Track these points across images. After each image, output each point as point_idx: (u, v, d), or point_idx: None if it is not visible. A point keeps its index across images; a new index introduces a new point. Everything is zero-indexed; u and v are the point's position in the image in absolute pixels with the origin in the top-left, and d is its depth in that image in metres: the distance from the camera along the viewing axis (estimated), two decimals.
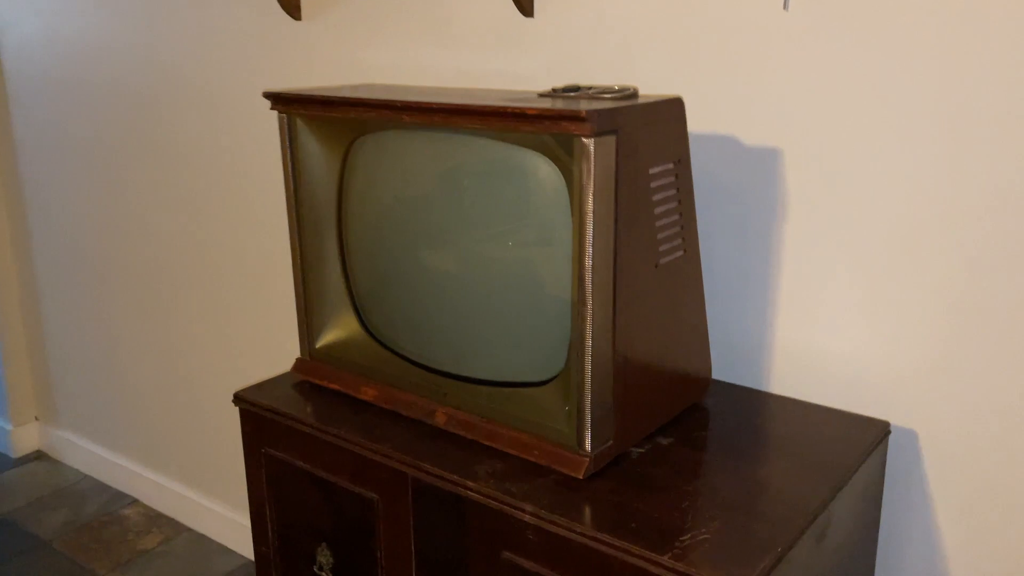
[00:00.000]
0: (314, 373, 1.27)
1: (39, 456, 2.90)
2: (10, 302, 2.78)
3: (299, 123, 1.19)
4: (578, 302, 0.95)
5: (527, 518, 0.94)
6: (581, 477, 0.99)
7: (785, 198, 1.21)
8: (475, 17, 1.45)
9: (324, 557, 1.20)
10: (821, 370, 1.24)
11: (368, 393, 1.20)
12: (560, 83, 1.37)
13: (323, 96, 1.12)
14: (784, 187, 1.20)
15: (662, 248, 1.04)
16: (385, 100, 1.05)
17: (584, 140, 0.90)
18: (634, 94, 1.02)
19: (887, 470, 1.19)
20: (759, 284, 1.26)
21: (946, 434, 1.14)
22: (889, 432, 1.14)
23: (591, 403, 0.98)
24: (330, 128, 1.19)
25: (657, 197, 1.01)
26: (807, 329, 1.23)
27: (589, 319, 0.95)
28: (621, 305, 0.98)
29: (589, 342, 0.95)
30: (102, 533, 2.42)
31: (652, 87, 1.29)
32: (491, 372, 1.10)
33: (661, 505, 0.94)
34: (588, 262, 0.93)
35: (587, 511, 0.93)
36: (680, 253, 1.08)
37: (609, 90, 1.03)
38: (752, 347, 1.29)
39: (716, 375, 1.33)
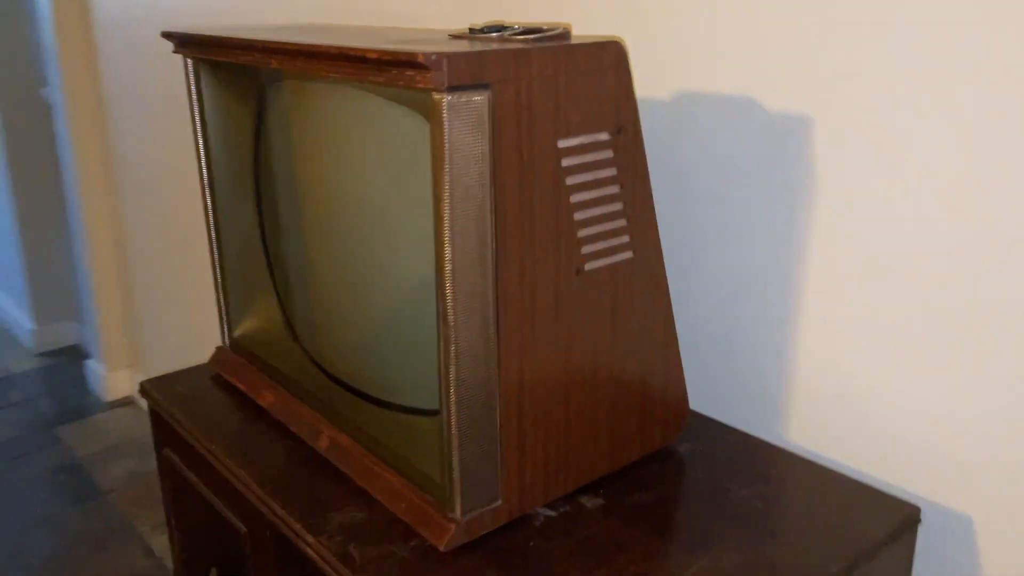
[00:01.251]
0: (225, 366, 1.08)
1: (129, 403, 2.95)
2: (105, 252, 2.81)
3: (204, 69, 0.99)
4: (440, 320, 0.70)
5: None
6: (442, 549, 0.74)
7: (814, 184, 0.88)
8: None
9: None
10: (848, 419, 0.91)
11: (267, 399, 1.00)
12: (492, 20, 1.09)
13: (211, 36, 0.91)
14: (813, 170, 0.88)
15: (588, 249, 0.76)
16: (247, 40, 0.83)
17: (436, 96, 0.64)
18: (562, 35, 0.74)
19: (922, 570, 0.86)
20: (770, 297, 0.95)
21: (1017, 525, 0.80)
22: (919, 521, 0.81)
23: (460, 452, 0.72)
24: (237, 76, 0.98)
25: (575, 180, 0.73)
26: (833, 363, 0.91)
27: (452, 342, 0.69)
28: (510, 325, 0.72)
29: (452, 373, 0.70)
30: (156, 489, 2.41)
31: (621, 27, 0.99)
32: (379, 389, 0.86)
33: None
34: (447, 266, 0.67)
35: None
36: (627, 255, 0.79)
37: (536, 30, 0.76)
38: (760, 381, 0.98)
39: (714, 413, 1.03)
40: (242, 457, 0.90)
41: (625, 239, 0.78)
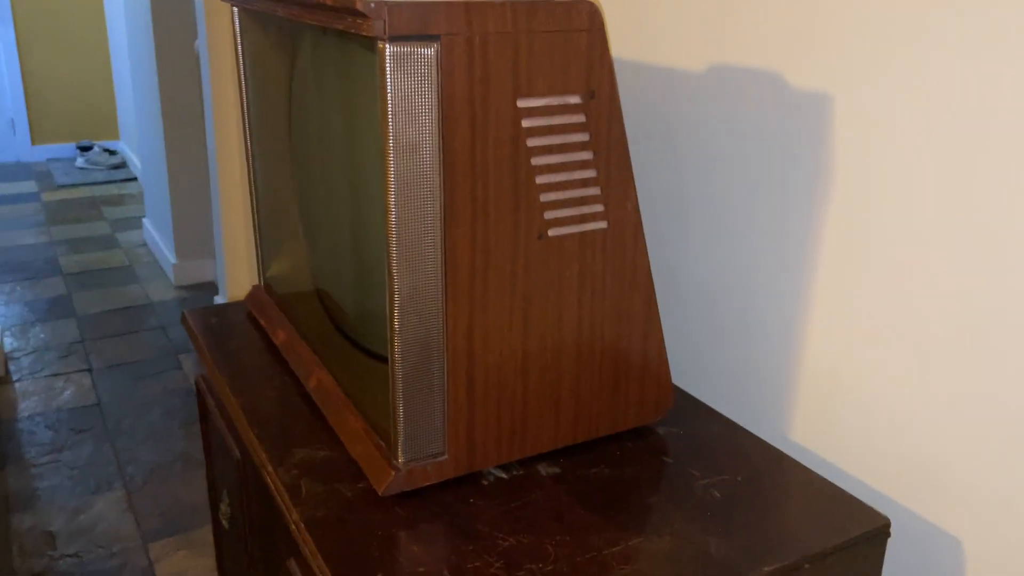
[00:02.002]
0: (255, 304, 1.14)
1: None
2: (235, 197, 3.00)
3: (247, 17, 1.04)
4: (386, 268, 0.71)
5: (292, 529, 0.75)
6: (380, 493, 0.76)
7: (830, 168, 0.83)
8: None
9: (225, 505, 1.09)
10: (847, 424, 0.86)
11: (279, 337, 1.05)
12: None
13: None
14: (831, 152, 0.82)
15: (552, 215, 0.74)
16: None
17: (380, 45, 0.64)
18: None
19: None
20: (780, 289, 0.90)
21: (1009, 550, 0.73)
22: (888, 535, 0.75)
23: (404, 400, 0.74)
24: (274, 24, 1.02)
25: (538, 142, 0.72)
26: (836, 367, 0.85)
27: (396, 292, 0.70)
28: (459, 282, 0.72)
29: (396, 321, 0.71)
30: None
31: None
32: (360, 335, 0.89)
33: (438, 559, 0.69)
34: (392, 216, 0.68)
35: (340, 547, 0.71)
36: (600, 224, 0.77)
37: None
38: (764, 375, 0.93)
39: (712, 400, 0.99)
40: (240, 388, 0.96)
41: (598, 208, 0.77)
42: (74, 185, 4.95)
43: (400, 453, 0.75)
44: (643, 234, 0.80)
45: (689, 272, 1.01)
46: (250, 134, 1.08)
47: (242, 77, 1.06)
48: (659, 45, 0.99)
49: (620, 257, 0.79)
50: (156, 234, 3.85)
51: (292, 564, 0.80)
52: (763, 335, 0.93)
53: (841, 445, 0.87)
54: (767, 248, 0.91)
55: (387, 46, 0.63)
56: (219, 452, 1.10)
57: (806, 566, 0.70)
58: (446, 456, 0.77)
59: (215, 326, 1.12)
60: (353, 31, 0.66)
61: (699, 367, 1.02)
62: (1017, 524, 0.72)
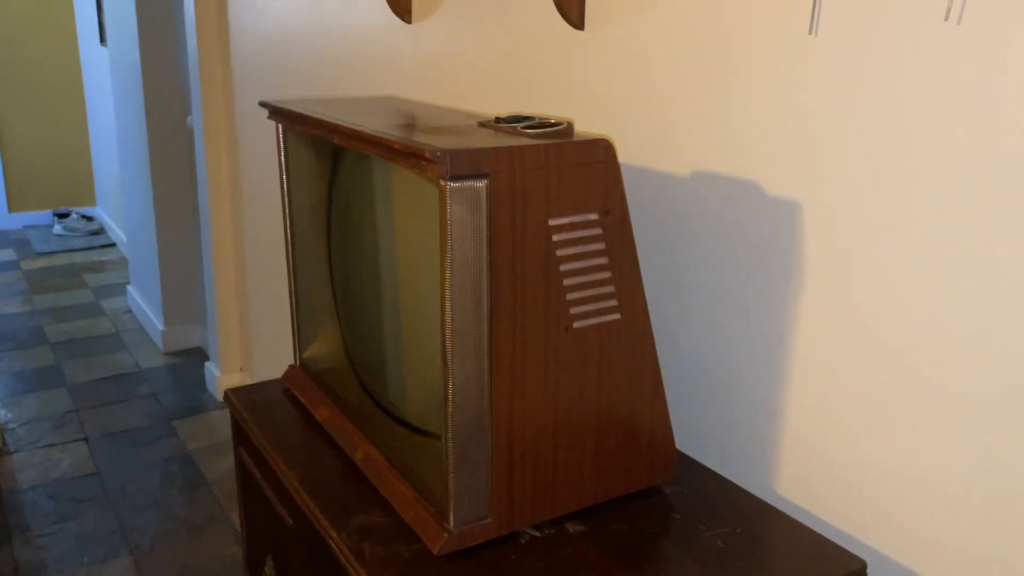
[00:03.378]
0: (294, 382, 1.27)
1: None
2: (227, 266, 3.11)
3: (290, 133, 1.18)
4: (441, 360, 0.84)
5: None
6: (436, 553, 0.88)
7: (802, 261, 0.99)
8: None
9: (269, 568, 1.20)
10: (832, 481, 1.00)
11: (322, 414, 1.17)
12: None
13: (292, 111, 1.10)
14: (802, 247, 0.98)
15: (577, 310, 0.89)
16: (315, 118, 1.01)
17: (442, 183, 0.79)
18: (564, 131, 0.89)
19: None
20: (763, 365, 1.05)
21: None
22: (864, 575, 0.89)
23: (455, 472, 0.87)
24: (316, 140, 1.17)
25: (565, 252, 0.87)
26: (816, 424, 1.00)
27: (450, 381, 0.84)
28: (502, 370, 0.86)
29: (450, 406, 0.85)
30: None
31: (659, 114, 1.11)
32: (404, 412, 1.02)
33: None
34: (448, 317, 0.82)
35: None
36: (614, 316, 0.92)
37: (544, 123, 0.90)
38: (753, 437, 1.08)
39: (707, 459, 1.13)
40: (294, 461, 1.08)
41: (612, 303, 0.91)
42: (53, 252, 5.01)
43: (451, 518, 0.88)
44: (650, 323, 0.95)
45: (686, 349, 1.16)
46: (291, 232, 1.22)
47: (284, 182, 1.20)
48: (658, 155, 1.15)
49: (631, 342, 0.94)
50: (142, 301, 3.94)
51: None
52: (750, 402, 1.08)
53: (821, 496, 1.01)
54: (753, 328, 1.06)
55: (448, 184, 0.78)
56: (263, 519, 1.21)
57: None
58: (490, 519, 0.90)
59: (257, 403, 1.24)
60: (417, 170, 0.81)
61: (695, 430, 1.16)
62: (979, 564, 0.86)
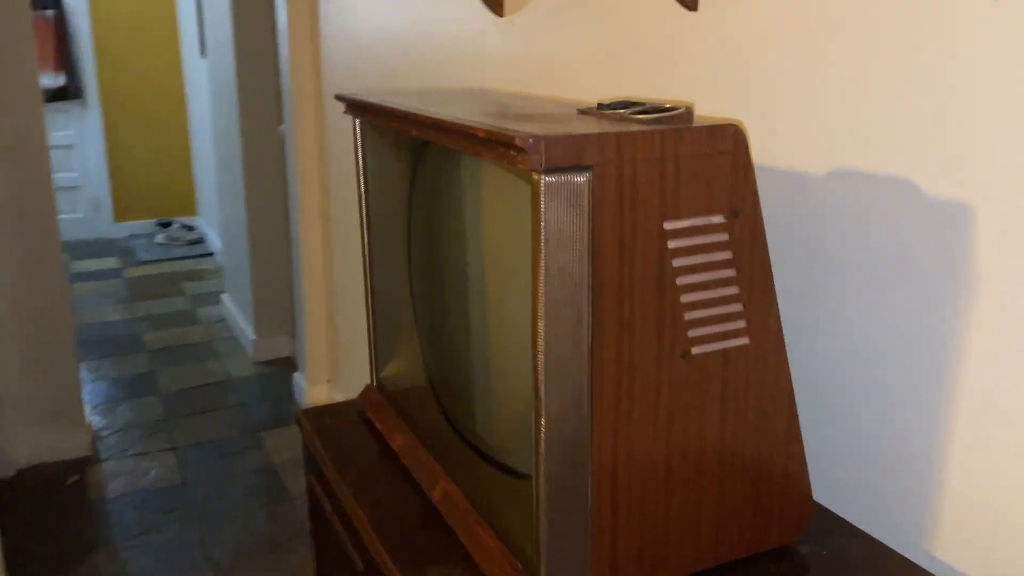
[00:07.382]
0: (370, 404, 1.14)
1: None
2: (317, 278, 3.06)
3: (369, 128, 1.06)
4: (532, 390, 0.70)
5: None
6: None
7: (972, 276, 0.80)
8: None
9: None
10: (999, 545, 0.81)
11: (397, 441, 1.04)
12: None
13: (369, 103, 0.98)
14: (973, 259, 0.80)
15: (696, 333, 0.73)
16: (394, 109, 0.88)
17: (534, 177, 0.65)
18: (682, 116, 0.73)
19: None
20: (921, 400, 0.87)
21: None
22: None
23: (548, 524, 0.72)
24: (396, 137, 1.04)
25: (683, 262, 0.71)
26: (987, 477, 0.82)
27: (542, 415, 0.70)
28: (605, 403, 0.71)
29: (542, 445, 0.70)
30: None
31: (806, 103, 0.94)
32: (491, 447, 0.88)
33: None
34: (541, 339, 0.68)
35: None
36: (742, 341, 0.76)
37: (658, 108, 0.75)
38: (904, 488, 0.90)
39: (849, 514, 0.95)
40: (365, 498, 0.95)
41: (740, 324, 0.75)
42: (155, 261, 5.11)
43: None
44: (785, 349, 0.78)
45: (824, 380, 0.99)
46: (368, 239, 1.10)
47: (361, 184, 1.08)
48: (788, 150, 0.98)
49: (762, 373, 0.78)
50: (235, 310, 3.94)
51: None
52: (904, 445, 0.90)
53: (993, 564, 0.83)
54: (909, 356, 0.88)
55: (542, 178, 0.64)
56: (332, 557, 1.09)
57: None
58: None
59: (330, 427, 1.12)
60: (506, 162, 0.67)
61: (832, 477, 0.98)
62: None
